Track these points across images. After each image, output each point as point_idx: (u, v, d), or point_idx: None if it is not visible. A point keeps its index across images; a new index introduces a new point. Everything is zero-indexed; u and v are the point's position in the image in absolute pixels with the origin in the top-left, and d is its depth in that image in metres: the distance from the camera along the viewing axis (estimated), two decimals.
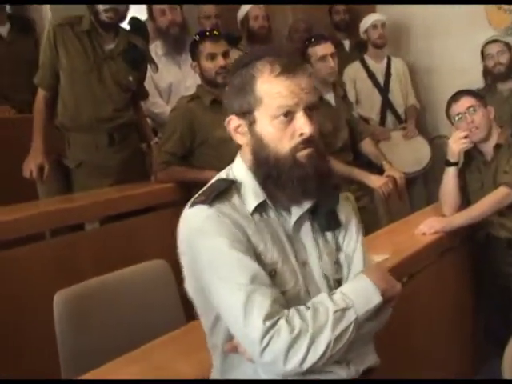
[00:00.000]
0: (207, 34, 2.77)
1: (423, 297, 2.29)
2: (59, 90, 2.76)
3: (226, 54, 2.74)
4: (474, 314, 2.71)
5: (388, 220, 3.17)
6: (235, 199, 1.23)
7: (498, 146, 2.54)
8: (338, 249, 1.34)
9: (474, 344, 2.68)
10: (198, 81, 2.89)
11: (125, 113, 2.87)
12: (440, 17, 4.12)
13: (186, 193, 2.71)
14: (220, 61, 2.71)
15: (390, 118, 4.09)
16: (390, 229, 2.67)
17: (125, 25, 2.98)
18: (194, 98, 2.77)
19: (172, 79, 3.47)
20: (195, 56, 2.79)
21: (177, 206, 2.68)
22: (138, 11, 4.60)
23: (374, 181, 3.02)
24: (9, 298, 2.04)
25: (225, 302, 1.15)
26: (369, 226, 2.91)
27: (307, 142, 1.20)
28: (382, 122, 4.07)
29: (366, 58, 4.14)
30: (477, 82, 3.72)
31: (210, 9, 4.11)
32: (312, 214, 1.30)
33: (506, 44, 3.55)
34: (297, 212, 1.27)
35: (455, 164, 2.60)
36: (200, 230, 1.19)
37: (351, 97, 4.01)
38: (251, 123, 1.23)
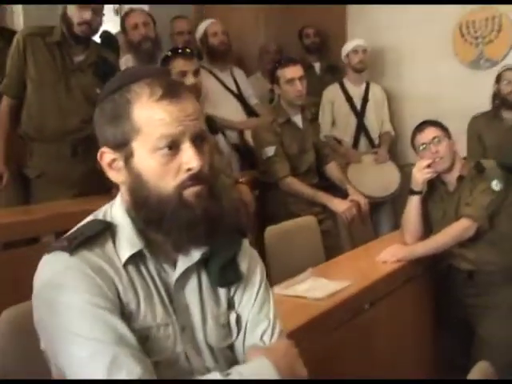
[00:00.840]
0: (180, 50, 2.74)
1: (384, 324, 2.28)
2: (25, 99, 2.72)
3: (196, 73, 2.71)
4: (435, 343, 2.71)
5: (350, 244, 3.18)
6: (109, 246, 1.04)
7: (460, 178, 2.57)
8: (231, 308, 1.14)
9: (436, 372, 2.68)
10: None
11: (91, 125, 2.79)
12: (410, 45, 4.21)
13: None
14: (190, 78, 2.67)
15: (363, 142, 4.12)
16: (352, 254, 2.67)
17: (96, 38, 2.96)
18: None
19: None
20: None
21: None
22: (109, 25, 4.61)
23: (338, 205, 3.04)
24: None
25: (85, 365, 0.94)
26: (331, 250, 2.94)
27: (196, 179, 1.01)
28: (355, 145, 4.10)
29: (345, 81, 4.18)
30: (445, 111, 3.78)
31: (182, 25, 4.12)
32: (204, 265, 1.11)
33: None
34: (183, 265, 1.08)
35: (419, 193, 2.62)
36: (55, 284, 0.99)
37: (328, 118, 4.07)
38: (128, 157, 1.02)
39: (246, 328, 1.14)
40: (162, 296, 1.06)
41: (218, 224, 1.04)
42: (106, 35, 3.46)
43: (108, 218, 1.08)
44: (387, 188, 3.90)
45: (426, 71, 4.13)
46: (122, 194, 1.09)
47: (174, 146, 1.00)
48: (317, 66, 4.54)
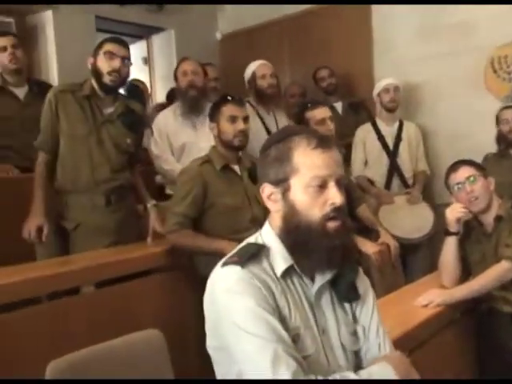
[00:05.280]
0: (230, 97, 2.80)
1: (424, 372, 2.19)
2: (59, 154, 2.79)
3: (246, 119, 2.76)
4: None
5: (382, 289, 3.12)
6: (265, 263, 1.30)
7: (498, 218, 2.52)
8: (355, 321, 1.41)
9: None
10: (212, 144, 2.85)
11: (122, 174, 2.90)
12: (443, 80, 4.18)
13: (180, 258, 2.72)
14: (240, 124, 2.71)
15: (395, 182, 4.06)
16: (387, 300, 2.59)
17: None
18: (205, 162, 2.75)
19: (186, 139, 3.53)
20: (215, 117, 2.78)
21: (169, 271, 2.73)
22: (140, 74, 4.77)
23: (369, 247, 3.00)
24: (2, 363, 2.00)
25: (252, 357, 1.19)
26: None
27: (337, 211, 1.27)
28: (388, 185, 4.05)
29: (378, 120, 4.15)
30: (480, 147, 3.75)
31: (210, 73, 4.19)
32: (332, 284, 1.37)
33: None
34: (319, 281, 1.34)
35: (455, 234, 2.57)
36: (231, 291, 1.24)
37: (360, 157, 4.04)
38: (285, 191, 1.31)
39: (368, 338, 1.40)
40: (303, 304, 1.32)
41: (349, 253, 1.32)
42: (132, 88, 3.56)
43: (259, 241, 1.36)
44: (421, 229, 3.80)
45: (461, 106, 4.08)
46: (273, 221, 1.36)
47: (322, 185, 1.28)
48: (338, 106, 4.49)
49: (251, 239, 1.38)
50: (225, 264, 1.29)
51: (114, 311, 2.41)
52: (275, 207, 1.34)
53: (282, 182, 1.31)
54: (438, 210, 3.90)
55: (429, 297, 2.41)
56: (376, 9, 4.50)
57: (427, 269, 3.73)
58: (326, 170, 1.28)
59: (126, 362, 1.76)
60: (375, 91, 4.13)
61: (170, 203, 2.85)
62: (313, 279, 1.35)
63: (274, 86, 3.89)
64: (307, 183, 1.28)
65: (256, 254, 1.30)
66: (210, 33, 5.47)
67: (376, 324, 1.41)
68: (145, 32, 5.27)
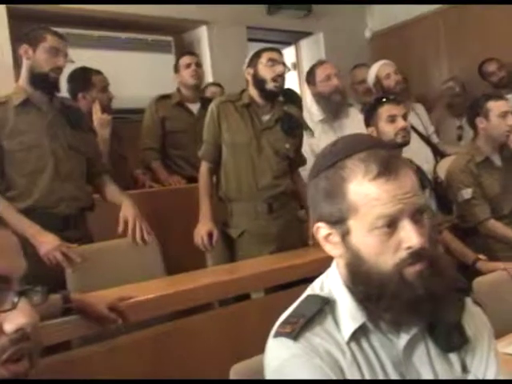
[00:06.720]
0: (386, 97, 2.77)
1: None
2: (222, 163, 2.91)
3: (405, 116, 2.72)
4: None
5: None
6: (329, 322, 1.02)
7: None
8: (465, 370, 1.06)
9: None
10: None
11: (283, 180, 2.93)
12: None
13: None
14: (400, 122, 2.68)
15: None
16: None
17: None
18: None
19: None
20: (372, 120, 2.75)
21: None
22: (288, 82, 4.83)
23: None
24: (181, 367, 2.09)
25: None
26: None
27: (416, 256, 0.96)
28: None
29: None
30: None
31: (363, 73, 4.14)
32: (428, 330, 1.04)
33: None
34: (407, 333, 1.02)
35: None
36: (284, 372, 0.99)
37: None
38: (344, 234, 1.01)
39: None
40: (385, 369, 1.01)
41: (442, 300, 0.98)
42: (289, 92, 3.59)
43: (325, 290, 1.08)
44: None
45: None
46: (339, 267, 1.07)
47: (392, 225, 0.97)
48: (510, 97, 4.19)
49: (316, 286, 1.10)
50: (276, 334, 1.03)
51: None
52: (336, 252, 1.04)
53: (339, 223, 1.01)
54: None
55: None
56: None
57: None
58: (393, 205, 0.96)
59: None
60: None
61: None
62: (398, 331, 1.03)
63: (401, 83, 3.80)
64: (371, 224, 0.97)
65: (317, 313, 1.02)
66: (359, 33, 5.42)
67: (493, 373, 1.07)
68: (293, 38, 5.35)
